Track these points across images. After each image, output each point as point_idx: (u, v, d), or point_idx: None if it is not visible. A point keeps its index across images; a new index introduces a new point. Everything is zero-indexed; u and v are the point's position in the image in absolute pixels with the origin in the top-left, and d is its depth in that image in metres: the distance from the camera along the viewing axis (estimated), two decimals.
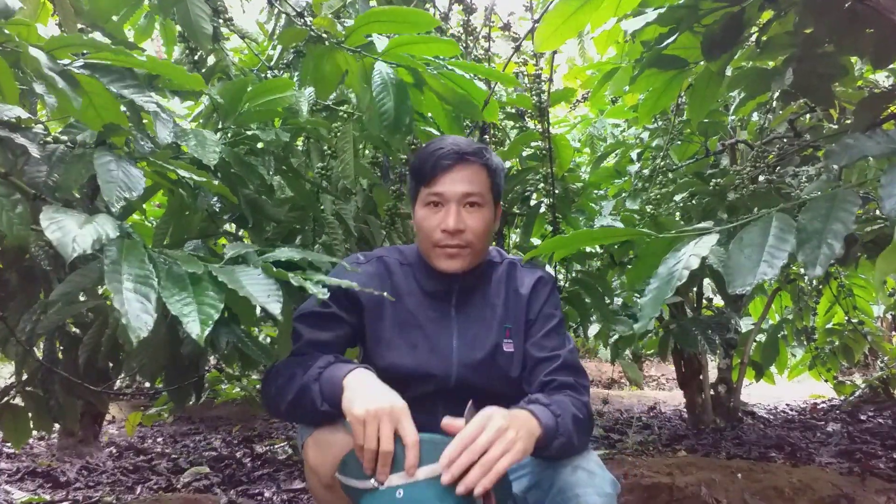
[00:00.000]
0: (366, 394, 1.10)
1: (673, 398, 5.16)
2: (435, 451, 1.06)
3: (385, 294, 1.28)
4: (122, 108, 1.30)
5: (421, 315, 1.41)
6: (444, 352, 1.39)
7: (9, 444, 2.22)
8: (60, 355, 1.79)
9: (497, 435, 1.06)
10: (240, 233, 1.97)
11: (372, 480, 1.06)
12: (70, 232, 0.98)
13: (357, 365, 1.18)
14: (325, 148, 2.02)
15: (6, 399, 1.80)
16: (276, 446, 3.23)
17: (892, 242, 0.53)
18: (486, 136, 2.32)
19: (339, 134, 1.92)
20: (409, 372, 1.37)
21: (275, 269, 1.11)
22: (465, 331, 1.41)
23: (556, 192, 2.28)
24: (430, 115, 1.90)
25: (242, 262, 1.20)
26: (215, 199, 1.65)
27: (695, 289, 3.26)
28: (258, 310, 1.69)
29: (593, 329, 2.93)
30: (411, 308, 1.41)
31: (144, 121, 1.36)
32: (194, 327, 0.96)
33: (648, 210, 2.34)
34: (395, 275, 1.44)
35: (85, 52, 1.24)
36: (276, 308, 1.02)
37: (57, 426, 2.39)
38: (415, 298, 1.42)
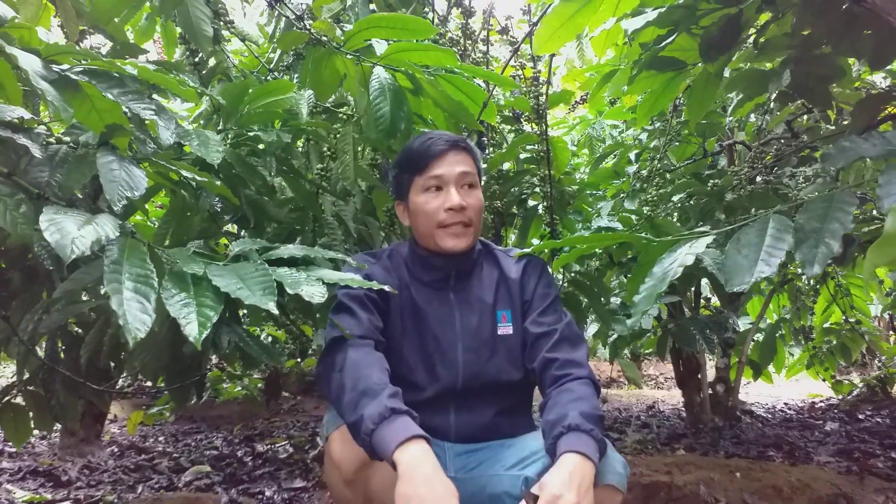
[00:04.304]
0: (417, 488, 1.04)
1: (671, 397, 5.18)
2: None
3: (387, 288, 1.25)
4: (125, 110, 1.31)
5: (424, 305, 1.45)
6: (449, 349, 1.42)
7: (10, 444, 2.23)
8: (62, 354, 1.80)
9: None
10: (241, 233, 1.98)
11: None
12: (69, 234, 0.98)
13: (412, 433, 1.09)
14: (325, 149, 2.03)
15: (8, 398, 1.81)
16: (277, 445, 3.24)
17: (884, 234, 0.54)
18: (484, 139, 2.34)
19: (338, 136, 1.93)
20: (417, 382, 1.41)
21: (275, 269, 1.11)
22: (467, 318, 1.45)
23: (553, 193, 2.30)
24: (430, 118, 1.91)
25: (245, 260, 1.21)
26: (217, 199, 1.66)
27: (693, 289, 3.27)
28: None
29: (592, 329, 2.94)
30: (415, 299, 1.45)
31: (147, 121, 1.36)
32: (192, 329, 0.96)
33: (646, 211, 2.35)
34: (398, 270, 1.49)
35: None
36: (271, 305, 1.01)
37: (58, 425, 2.40)
38: (415, 291, 1.46)
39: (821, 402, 4.61)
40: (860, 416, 3.76)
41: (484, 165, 2.41)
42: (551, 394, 1.31)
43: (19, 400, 1.81)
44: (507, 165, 2.57)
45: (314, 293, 1.06)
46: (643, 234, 1.37)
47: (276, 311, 1.01)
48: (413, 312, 1.44)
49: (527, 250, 1.54)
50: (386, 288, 1.23)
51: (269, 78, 1.98)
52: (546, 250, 2.44)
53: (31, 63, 1.08)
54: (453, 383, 1.41)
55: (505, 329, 1.44)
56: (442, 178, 1.41)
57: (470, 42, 2.27)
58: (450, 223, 1.41)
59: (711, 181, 2.68)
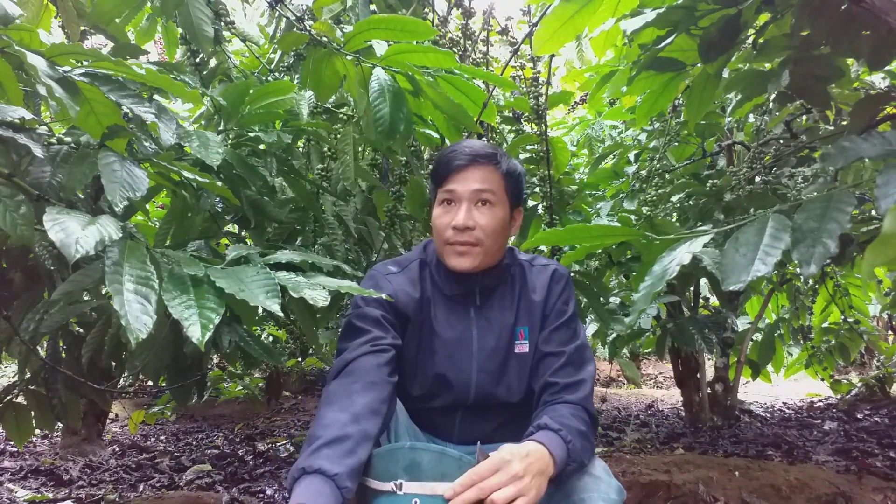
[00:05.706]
0: None
1: (670, 396, 5.19)
2: (461, 471, 1.06)
3: (384, 296, 1.27)
4: (125, 110, 1.31)
5: (443, 322, 1.41)
6: (463, 369, 1.40)
7: (12, 443, 2.24)
8: (63, 354, 1.80)
9: (510, 480, 1.05)
10: (242, 233, 1.99)
11: (391, 484, 1.08)
12: (73, 233, 0.98)
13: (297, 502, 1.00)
14: (326, 150, 2.04)
15: (9, 398, 1.81)
16: (277, 444, 3.25)
17: (882, 234, 0.54)
18: (484, 140, 2.34)
19: (339, 136, 1.94)
20: (428, 395, 1.40)
21: (275, 272, 1.12)
22: (485, 338, 1.41)
23: (552, 194, 2.30)
24: (430, 119, 1.92)
25: (244, 263, 1.21)
26: (217, 199, 1.67)
27: (692, 288, 3.28)
28: (260, 309, 1.71)
29: (591, 328, 2.95)
30: (434, 317, 1.41)
31: (148, 123, 1.37)
32: (195, 331, 0.97)
33: (645, 211, 2.35)
34: (423, 282, 1.45)
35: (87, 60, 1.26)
36: (275, 306, 1.02)
37: (60, 425, 2.41)
38: (436, 304, 1.43)
39: (819, 401, 4.62)
40: (859, 416, 3.77)
41: None
42: (536, 415, 1.30)
43: (21, 399, 1.82)
44: None
45: (317, 297, 1.08)
46: (645, 233, 1.38)
47: (280, 313, 1.02)
48: (430, 330, 1.41)
49: (526, 245, 1.53)
50: (383, 296, 1.23)
51: (269, 78, 1.99)
52: (546, 248, 2.45)
53: (38, 62, 1.09)
54: (464, 400, 1.40)
55: (521, 347, 1.41)
56: (454, 193, 1.36)
57: (470, 42, 2.28)
58: (453, 242, 1.36)
59: (710, 181, 2.69)
